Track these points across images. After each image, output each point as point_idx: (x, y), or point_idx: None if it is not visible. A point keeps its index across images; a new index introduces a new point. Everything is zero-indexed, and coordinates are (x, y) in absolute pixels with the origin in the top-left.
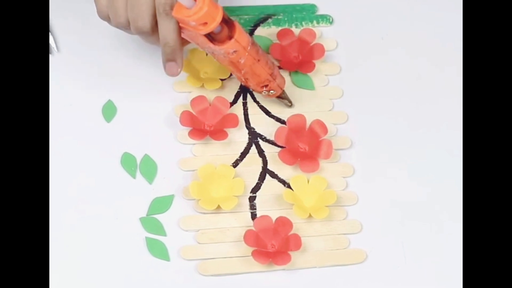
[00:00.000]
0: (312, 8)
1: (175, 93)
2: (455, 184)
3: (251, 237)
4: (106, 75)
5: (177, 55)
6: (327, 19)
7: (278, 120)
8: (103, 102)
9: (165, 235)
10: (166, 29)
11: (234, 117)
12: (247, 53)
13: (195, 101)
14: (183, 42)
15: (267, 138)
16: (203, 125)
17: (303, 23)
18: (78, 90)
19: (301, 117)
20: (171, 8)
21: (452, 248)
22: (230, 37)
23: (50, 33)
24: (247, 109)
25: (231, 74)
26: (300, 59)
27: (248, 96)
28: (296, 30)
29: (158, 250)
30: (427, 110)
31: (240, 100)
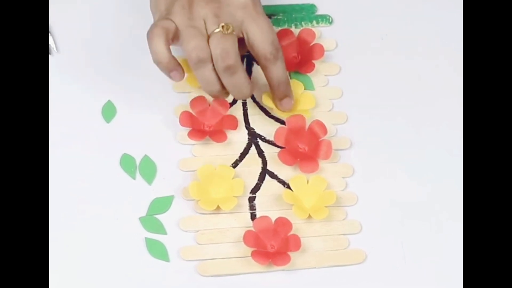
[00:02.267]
0: (311, 8)
1: (174, 94)
2: (455, 184)
3: (250, 238)
4: (106, 76)
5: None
6: (326, 19)
7: (278, 120)
8: (103, 102)
9: (165, 233)
10: (278, 70)
11: (234, 119)
12: None
13: (194, 102)
14: None
15: (267, 138)
16: (202, 126)
17: (302, 23)
18: (77, 90)
19: (300, 117)
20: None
21: (452, 248)
22: None
23: (49, 34)
24: (246, 109)
25: None
26: (299, 59)
27: None
28: (295, 30)
29: (158, 251)
30: (427, 110)
31: (240, 100)
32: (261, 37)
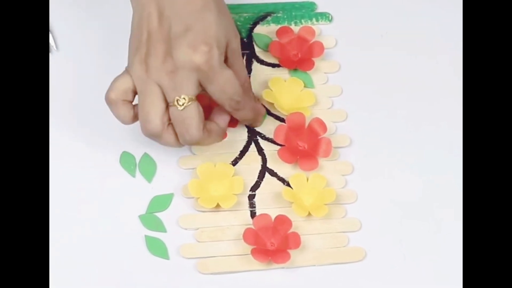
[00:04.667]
0: (311, 5)
1: None
2: (455, 182)
3: (250, 236)
4: (106, 74)
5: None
6: (326, 16)
7: (278, 118)
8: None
9: (165, 231)
10: (242, 115)
11: (233, 118)
12: None
13: None
14: None
15: (267, 136)
16: None
17: (302, 20)
18: (77, 88)
19: (300, 115)
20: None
21: (452, 246)
22: None
23: (49, 32)
24: None
25: None
26: (299, 57)
27: None
28: (295, 28)
29: (158, 249)
30: (427, 108)
31: None
32: (219, 94)
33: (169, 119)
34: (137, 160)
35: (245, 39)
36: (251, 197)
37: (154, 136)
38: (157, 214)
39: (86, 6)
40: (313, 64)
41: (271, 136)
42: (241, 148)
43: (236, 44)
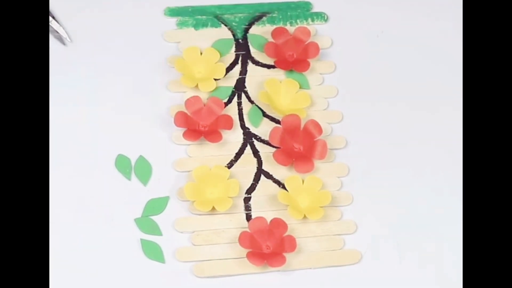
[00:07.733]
0: (306, 5)
1: (169, 93)
2: (453, 183)
3: (246, 239)
4: (100, 76)
5: None
6: (322, 16)
7: (273, 120)
8: (98, 103)
9: (160, 234)
10: None
11: (229, 119)
12: None
13: (189, 102)
14: None
15: (262, 138)
16: (197, 126)
17: (297, 21)
18: (75, 93)
19: (295, 117)
20: None
21: (449, 249)
22: None
23: (55, 32)
24: (241, 109)
25: (225, 74)
26: (294, 57)
27: (243, 96)
28: (290, 28)
29: (153, 252)
30: (425, 109)
31: (235, 100)
32: None
33: None
34: (133, 163)
35: (240, 40)
36: (247, 200)
37: None
38: (152, 217)
39: (82, 11)
40: (309, 65)
41: (266, 138)
42: (236, 150)
43: None
